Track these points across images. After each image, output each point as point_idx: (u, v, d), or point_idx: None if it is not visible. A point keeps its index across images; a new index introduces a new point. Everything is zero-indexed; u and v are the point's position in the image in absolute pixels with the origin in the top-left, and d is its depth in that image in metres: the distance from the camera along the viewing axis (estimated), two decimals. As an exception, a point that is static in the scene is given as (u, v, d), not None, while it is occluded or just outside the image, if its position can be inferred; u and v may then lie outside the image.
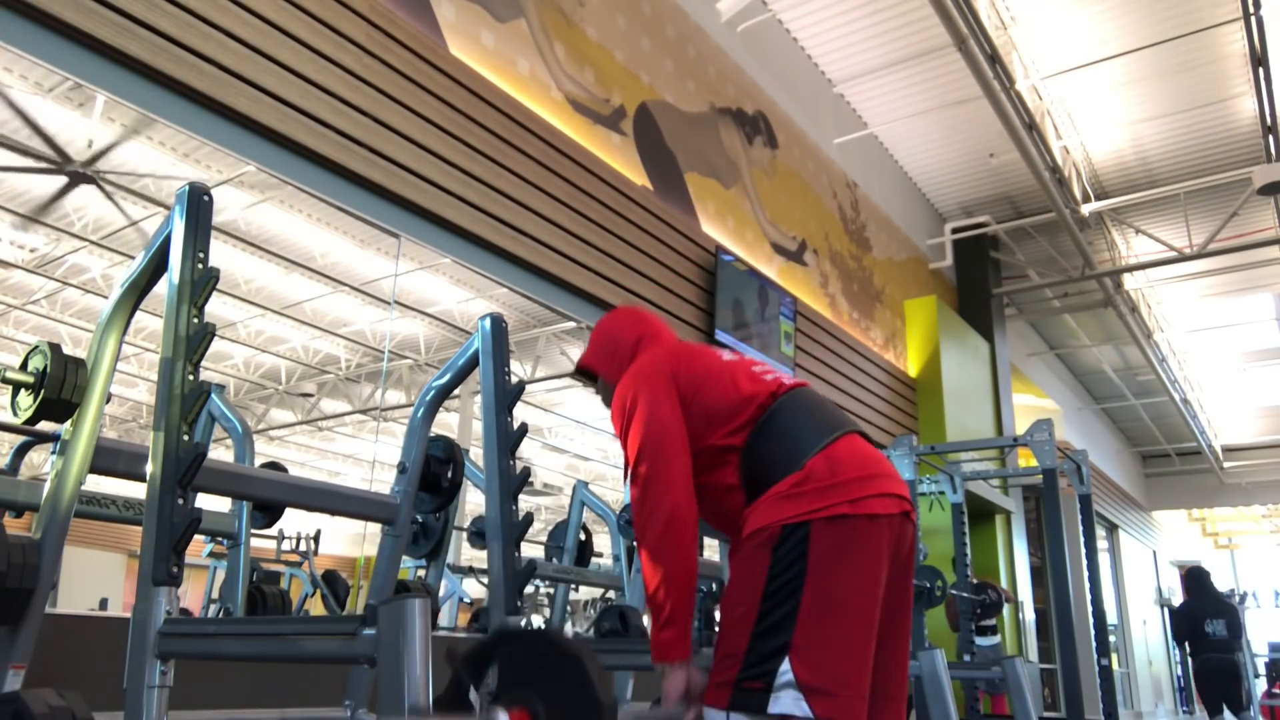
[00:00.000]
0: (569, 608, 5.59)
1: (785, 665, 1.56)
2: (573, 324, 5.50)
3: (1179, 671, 8.08)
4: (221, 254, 5.55)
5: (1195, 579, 7.90)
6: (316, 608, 5.48)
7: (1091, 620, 6.09)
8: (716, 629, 1.73)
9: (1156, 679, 15.98)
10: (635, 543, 1.74)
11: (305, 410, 8.85)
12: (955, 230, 9.88)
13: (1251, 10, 6.45)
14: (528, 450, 8.89)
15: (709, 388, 1.81)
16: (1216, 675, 7.45)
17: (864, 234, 8.21)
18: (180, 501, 1.72)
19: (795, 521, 1.62)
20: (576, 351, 6.97)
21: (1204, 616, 7.56)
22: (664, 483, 1.71)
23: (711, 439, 1.77)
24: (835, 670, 1.56)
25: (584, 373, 2.10)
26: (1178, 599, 18.34)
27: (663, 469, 1.72)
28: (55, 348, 1.99)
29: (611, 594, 5.11)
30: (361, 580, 6.18)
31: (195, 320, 1.81)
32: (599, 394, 2.10)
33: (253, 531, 3.47)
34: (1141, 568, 16.21)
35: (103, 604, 6.46)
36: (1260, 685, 11.92)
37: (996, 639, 7.57)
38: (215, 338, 1.83)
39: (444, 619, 4.71)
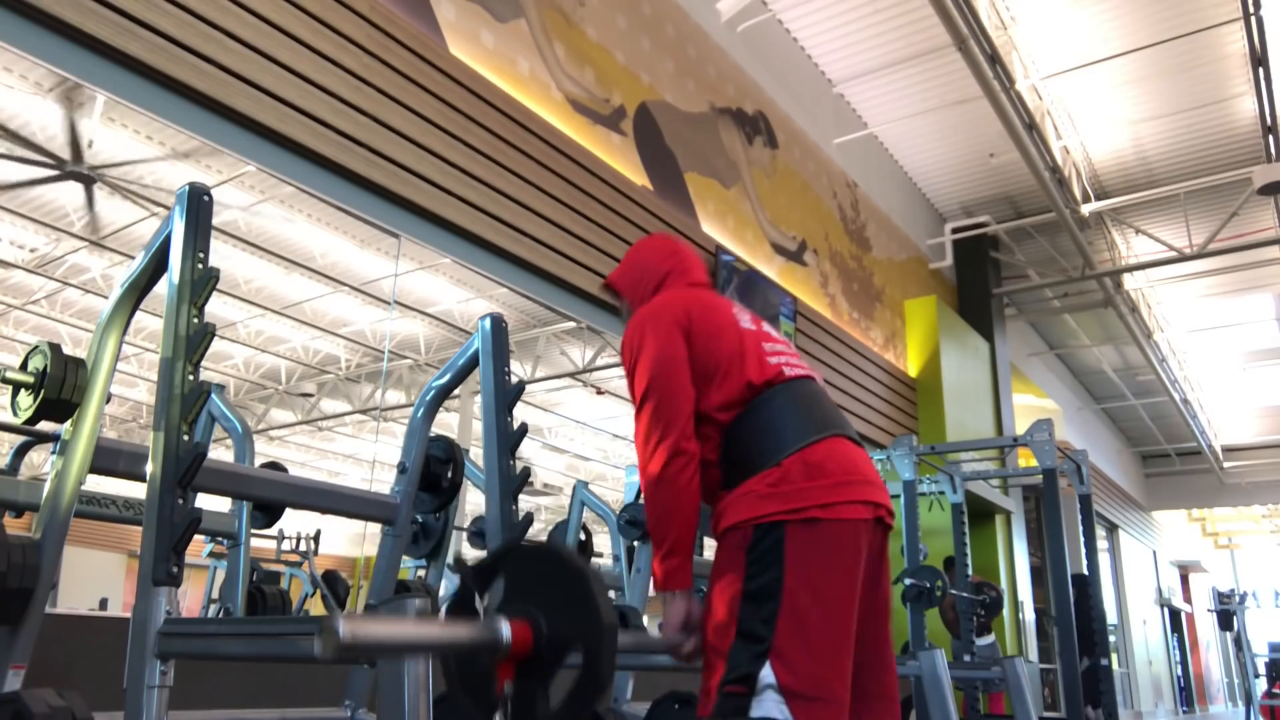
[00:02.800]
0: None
1: (767, 669, 1.57)
2: (573, 324, 5.50)
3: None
4: (221, 254, 5.57)
5: (1084, 582, 8.08)
6: (316, 608, 5.48)
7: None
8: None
9: (1156, 679, 15.98)
10: (639, 467, 1.76)
11: (305, 410, 8.85)
12: (955, 230, 9.87)
13: (1251, 10, 6.45)
14: (528, 450, 8.90)
15: (714, 350, 1.81)
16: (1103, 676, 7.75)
17: (864, 234, 8.21)
18: (180, 501, 1.72)
19: (768, 522, 1.64)
20: (577, 352, 6.98)
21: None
22: (669, 418, 1.73)
23: (702, 404, 1.78)
24: (815, 675, 1.58)
25: (610, 290, 2.12)
26: (1178, 599, 18.36)
27: (669, 405, 1.74)
28: (55, 348, 1.99)
29: (611, 594, 5.10)
30: (361, 580, 6.18)
31: (195, 320, 1.81)
32: (621, 313, 2.11)
33: (253, 531, 3.47)
34: (1141, 568, 16.21)
35: (103, 604, 6.46)
36: (1260, 685, 11.92)
37: (991, 638, 7.58)
38: (215, 338, 1.83)
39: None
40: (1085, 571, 5.77)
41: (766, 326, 1.93)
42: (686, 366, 1.78)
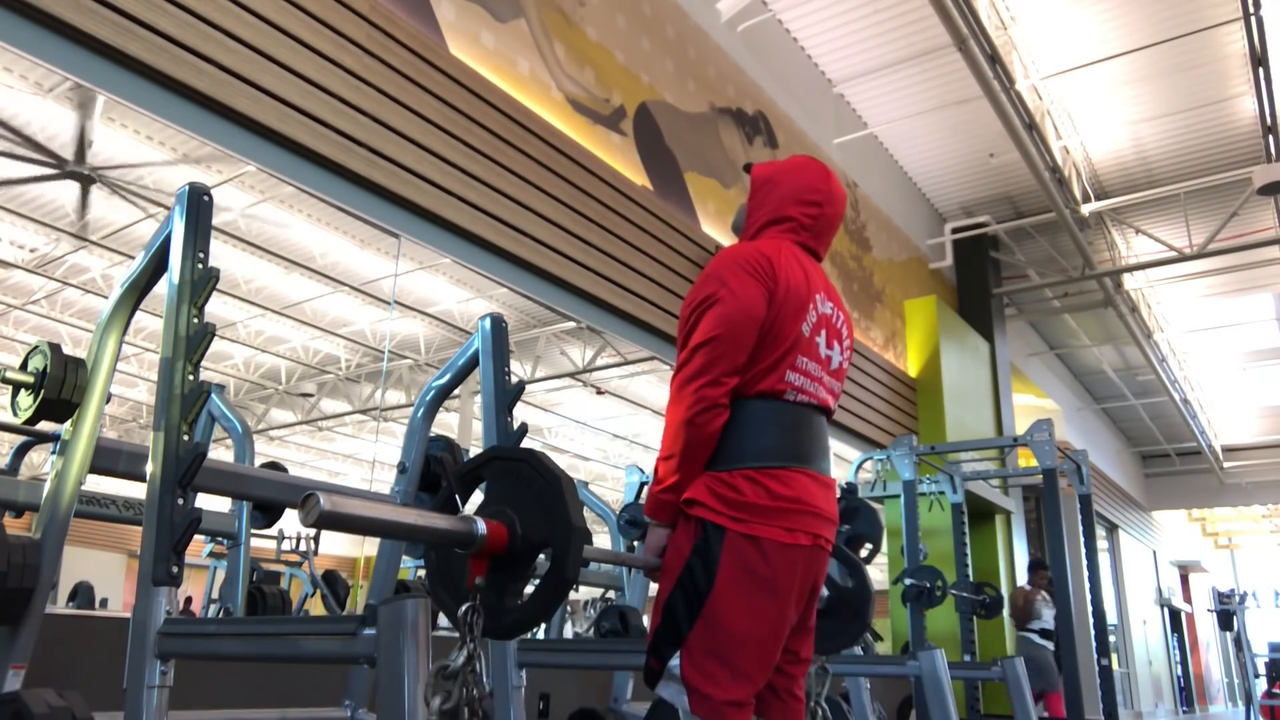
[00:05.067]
0: (569, 608, 5.59)
1: (677, 658, 1.69)
2: (573, 324, 5.50)
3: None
4: (221, 254, 5.58)
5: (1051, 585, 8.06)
6: (316, 608, 5.48)
7: (1091, 620, 6.09)
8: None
9: (1156, 679, 15.98)
10: (670, 399, 1.80)
11: (305, 410, 8.85)
12: (955, 230, 9.87)
13: (1251, 10, 6.45)
14: (528, 450, 8.87)
15: (767, 334, 1.80)
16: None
17: (864, 234, 8.21)
18: (180, 501, 1.72)
19: (715, 522, 1.72)
20: (576, 352, 6.97)
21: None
22: (722, 371, 1.75)
23: None
24: (714, 676, 1.66)
25: (749, 171, 2.10)
26: (1178, 599, 18.35)
27: (727, 360, 1.76)
28: (55, 348, 1.99)
29: (611, 594, 5.11)
30: (361, 580, 6.18)
31: (195, 320, 1.82)
32: (739, 212, 2.09)
33: (253, 531, 3.48)
34: (1141, 568, 16.21)
35: (103, 604, 6.47)
36: (1260, 685, 11.91)
37: (1051, 645, 7.45)
38: (215, 338, 1.83)
39: (443, 619, 4.70)
40: (1050, 575, 5.76)
41: (821, 337, 1.88)
42: (756, 332, 1.79)
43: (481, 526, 1.42)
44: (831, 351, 1.92)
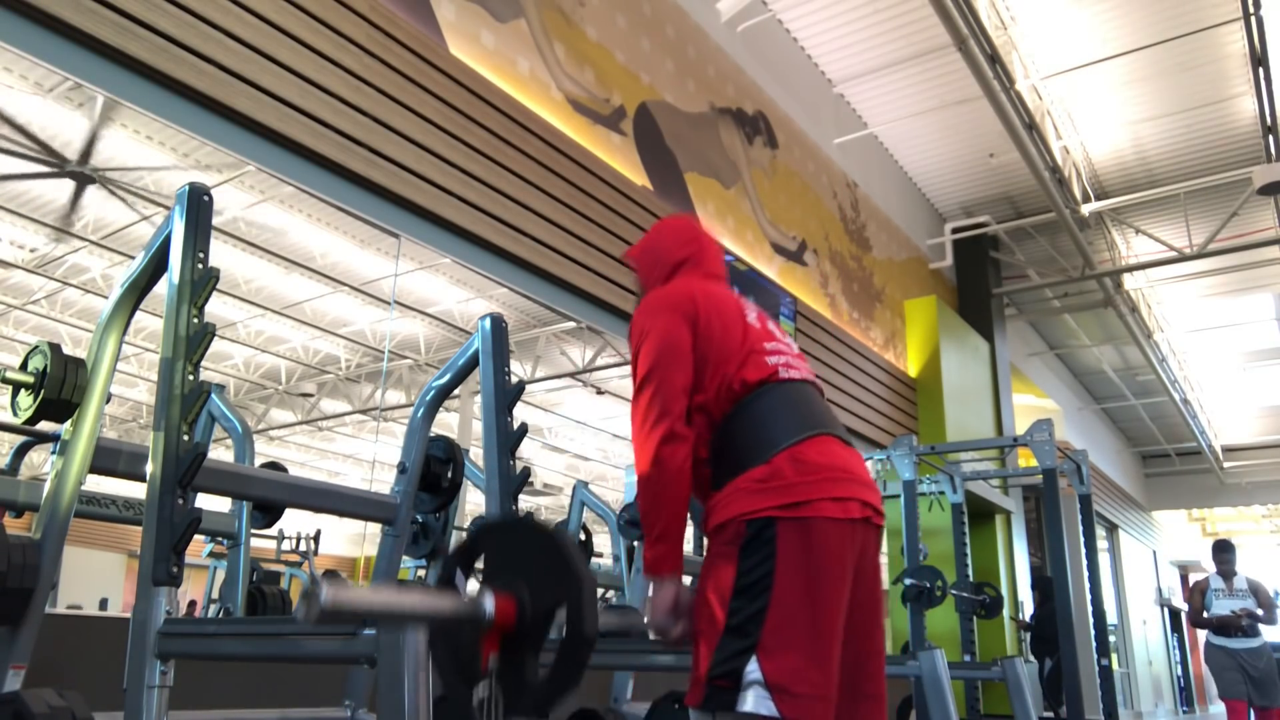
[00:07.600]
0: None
1: (753, 664, 1.58)
2: (573, 324, 5.50)
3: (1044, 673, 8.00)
4: (221, 254, 5.58)
5: (1051, 585, 7.29)
6: (316, 608, 5.48)
7: (1091, 620, 6.09)
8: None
9: (1156, 679, 15.98)
10: (633, 451, 1.76)
11: (305, 410, 8.86)
12: (955, 230, 9.87)
13: (1251, 10, 6.45)
14: (528, 450, 8.89)
15: (716, 345, 1.82)
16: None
17: (864, 234, 8.21)
18: (180, 501, 1.72)
19: (761, 517, 1.65)
20: (577, 352, 6.98)
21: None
22: (666, 403, 1.74)
23: (699, 396, 1.80)
24: (800, 671, 1.57)
25: (628, 264, 2.15)
26: (1178, 599, 18.34)
27: (667, 390, 1.75)
28: (55, 348, 1.99)
29: (611, 594, 5.11)
30: (361, 580, 6.18)
31: (195, 320, 1.82)
32: (635, 288, 2.14)
33: (253, 531, 3.48)
34: (1141, 568, 16.21)
35: (103, 604, 6.47)
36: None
37: (1260, 641, 6.51)
38: (215, 338, 1.83)
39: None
40: (1051, 574, 5.68)
41: (772, 325, 1.94)
42: (689, 356, 1.80)
43: (490, 604, 1.32)
44: (788, 339, 1.94)
